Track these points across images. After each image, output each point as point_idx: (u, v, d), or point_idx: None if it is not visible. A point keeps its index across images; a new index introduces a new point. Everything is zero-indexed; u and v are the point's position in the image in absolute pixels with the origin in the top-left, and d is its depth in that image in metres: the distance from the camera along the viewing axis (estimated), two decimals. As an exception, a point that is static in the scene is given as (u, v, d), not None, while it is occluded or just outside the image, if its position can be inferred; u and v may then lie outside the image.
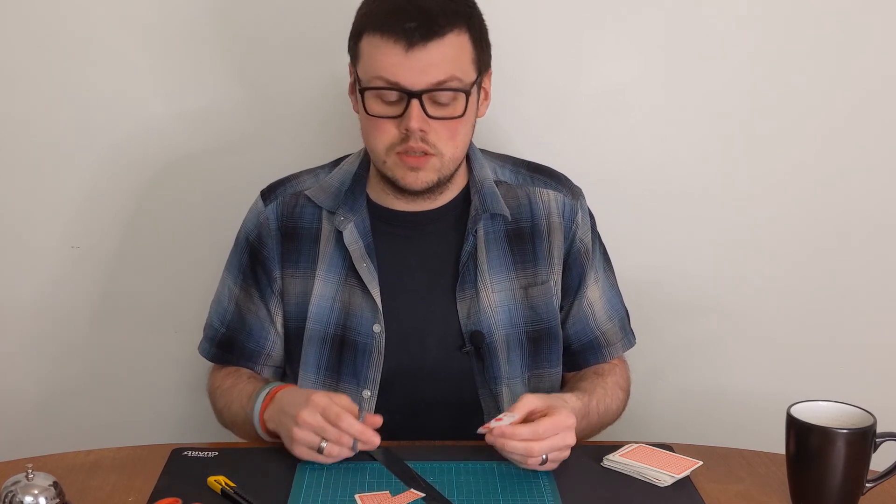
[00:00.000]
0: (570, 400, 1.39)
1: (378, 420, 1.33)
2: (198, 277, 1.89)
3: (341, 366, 1.49)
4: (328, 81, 1.82)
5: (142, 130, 1.86)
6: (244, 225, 1.56)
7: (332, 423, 1.29)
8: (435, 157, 1.41)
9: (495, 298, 1.50)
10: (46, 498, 1.13)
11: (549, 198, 1.54)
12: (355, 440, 1.30)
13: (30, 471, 1.14)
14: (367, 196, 1.53)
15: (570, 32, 1.83)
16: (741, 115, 1.86)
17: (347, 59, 1.49)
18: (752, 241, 1.90)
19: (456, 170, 1.48)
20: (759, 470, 1.37)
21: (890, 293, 1.92)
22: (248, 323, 1.54)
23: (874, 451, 1.25)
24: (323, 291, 1.50)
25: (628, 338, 1.61)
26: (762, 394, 1.83)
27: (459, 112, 1.40)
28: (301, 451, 1.31)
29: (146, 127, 1.86)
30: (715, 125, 1.86)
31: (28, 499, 1.12)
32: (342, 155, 1.60)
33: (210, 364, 1.61)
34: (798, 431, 1.25)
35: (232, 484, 1.27)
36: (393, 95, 1.38)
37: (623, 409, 1.57)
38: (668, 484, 1.30)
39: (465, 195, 1.52)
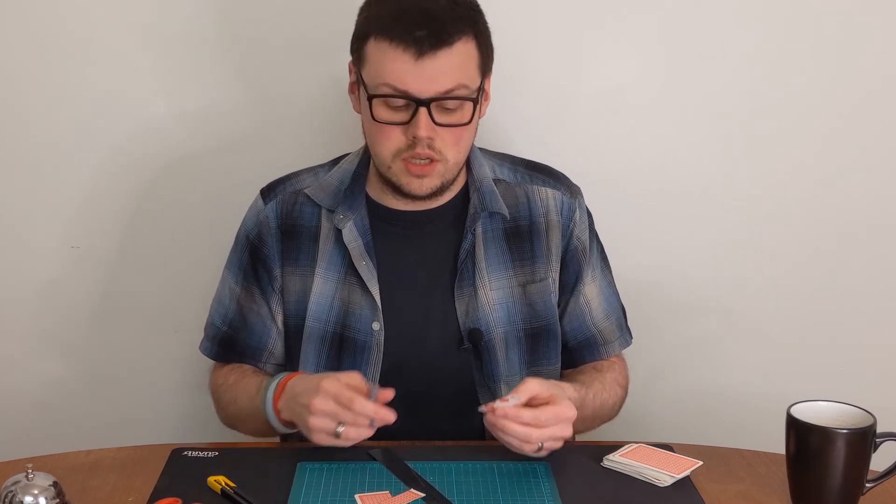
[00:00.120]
0: (568, 389, 1.39)
1: (390, 393, 1.32)
2: (198, 277, 1.89)
3: (340, 363, 1.50)
4: (328, 81, 1.82)
5: (142, 130, 1.86)
6: (244, 223, 1.56)
7: (345, 406, 1.28)
8: (440, 163, 1.42)
9: (493, 296, 1.50)
10: (46, 498, 1.13)
11: (548, 196, 1.55)
12: (372, 419, 1.29)
13: (30, 471, 1.14)
14: (367, 194, 1.53)
15: (570, 32, 1.83)
16: (741, 115, 1.86)
17: (347, 59, 1.49)
18: (752, 241, 1.90)
19: (458, 172, 1.48)
20: (759, 470, 1.37)
21: (890, 293, 1.92)
22: (249, 321, 1.54)
23: (874, 451, 1.25)
24: (322, 289, 1.51)
25: (625, 336, 1.61)
26: (762, 394, 1.83)
27: (466, 119, 1.41)
28: (320, 438, 1.31)
29: (146, 127, 1.86)
30: (715, 125, 1.86)
31: (28, 499, 1.12)
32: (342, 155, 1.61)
33: (211, 363, 1.61)
34: (798, 431, 1.25)
35: (232, 484, 1.27)
36: (400, 102, 1.38)
37: (620, 406, 1.57)
38: (668, 484, 1.30)
39: (464, 194, 1.53)
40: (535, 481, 1.31)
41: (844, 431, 1.22)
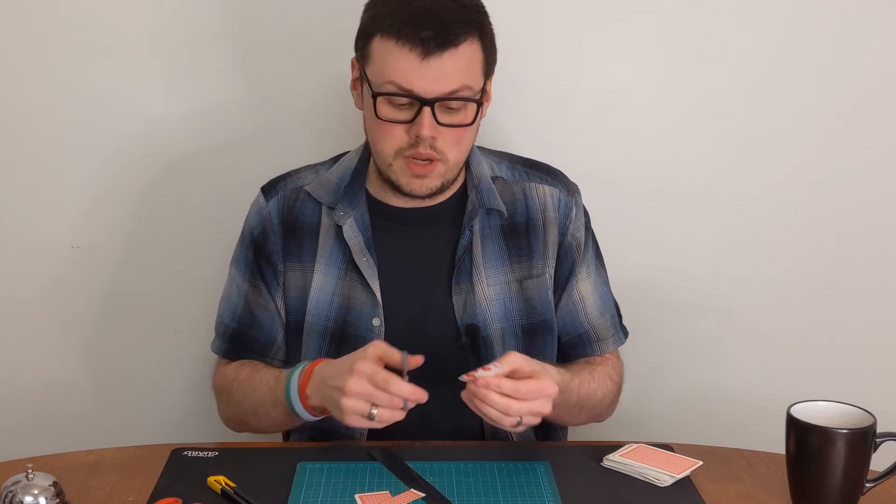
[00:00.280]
0: (552, 370, 1.39)
1: (420, 359, 1.32)
2: (199, 278, 1.90)
3: None
4: (329, 81, 1.82)
5: (142, 130, 1.86)
6: (247, 221, 1.57)
7: (381, 388, 1.27)
8: (440, 163, 1.42)
9: (490, 292, 1.51)
10: (46, 498, 1.13)
11: (545, 193, 1.55)
12: (405, 400, 1.29)
13: (30, 471, 1.14)
14: (367, 192, 1.54)
15: (570, 32, 1.83)
16: (741, 115, 1.86)
17: (348, 59, 1.49)
18: (752, 241, 1.90)
19: (458, 172, 1.49)
20: (759, 470, 1.37)
21: (890, 293, 1.92)
22: (258, 317, 1.54)
23: (874, 451, 1.25)
24: (322, 285, 1.51)
25: (619, 335, 1.61)
26: (762, 394, 1.83)
27: (469, 120, 1.41)
28: (352, 420, 1.30)
29: (146, 127, 1.86)
30: (715, 125, 1.86)
31: (28, 499, 1.12)
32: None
33: (213, 363, 1.61)
34: (798, 431, 1.25)
35: (232, 484, 1.27)
36: (404, 100, 1.38)
37: (612, 401, 1.56)
38: (668, 484, 1.30)
39: (463, 191, 1.54)
40: (535, 481, 1.31)
41: (844, 431, 1.22)
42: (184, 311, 1.93)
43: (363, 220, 1.51)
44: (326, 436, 1.52)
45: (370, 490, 1.28)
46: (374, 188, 1.53)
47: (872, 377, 1.90)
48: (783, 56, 1.83)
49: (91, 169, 1.87)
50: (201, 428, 1.90)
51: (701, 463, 1.35)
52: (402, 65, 1.36)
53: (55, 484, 1.15)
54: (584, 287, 1.57)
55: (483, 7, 1.43)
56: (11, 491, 1.12)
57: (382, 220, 1.52)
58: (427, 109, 1.37)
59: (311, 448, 1.48)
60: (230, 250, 1.61)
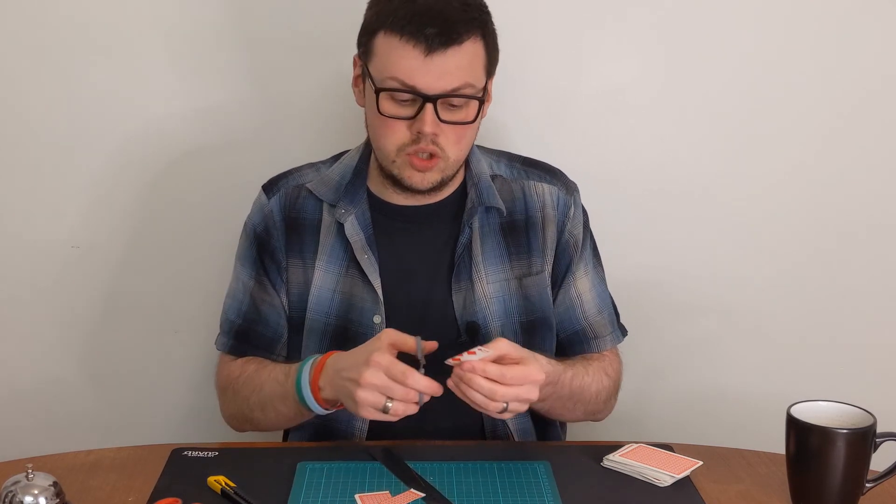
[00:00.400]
0: (542, 360, 1.38)
1: (434, 344, 1.33)
2: (199, 278, 1.90)
3: None
4: (329, 81, 1.82)
5: (142, 130, 1.86)
6: (250, 218, 1.57)
7: (397, 380, 1.27)
8: (441, 160, 1.43)
9: (490, 289, 1.51)
10: (46, 498, 1.13)
11: (544, 191, 1.56)
12: (420, 394, 1.28)
13: (30, 471, 1.14)
14: (368, 189, 1.54)
15: (570, 32, 1.83)
16: (741, 115, 1.86)
17: (349, 58, 1.49)
18: (752, 241, 1.91)
19: (458, 169, 1.49)
20: (759, 470, 1.37)
21: (890, 293, 1.92)
22: (263, 313, 1.54)
23: (874, 451, 1.25)
24: (323, 282, 1.52)
25: (616, 333, 1.61)
26: (762, 394, 1.83)
27: (471, 118, 1.42)
28: (367, 413, 1.29)
29: (146, 126, 1.86)
30: (715, 125, 1.86)
31: (28, 499, 1.12)
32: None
33: (213, 363, 1.60)
34: (798, 431, 1.25)
35: (232, 484, 1.27)
36: (406, 96, 1.39)
37: (608, 397, 1.55)
38: (668, 484, 1.30)
39: (463, 190, 1.54)
40: (535, 481, 1.31)
41: (844, 431, 1.22)
42: (184, 311, 1.93)
43: (364, 217, 1.52)
44: (326, 436, 1.52)
45: (370, 490, 1.27)
46: (375, 186, 1.54)
47: (872, 377, 1.90)
48: (783, 56, 1.83)
49: (91, 169, 1.87)
50: (201, 428, 1.90)
51: (701, 463, 1.35)
52: (405, 61, 1.37)
53: (55, 484, 1.15)
54: (581, 284, 1.57)
55: (486, 7, 1.43)
56: (11, 491, 1.12)
57: (383, 218, 1.53)
58: (429, 106, 1.38)
59: (311, 448, 1.48)
60: (230, 250, 1.61)
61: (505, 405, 1.29)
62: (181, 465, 1.35)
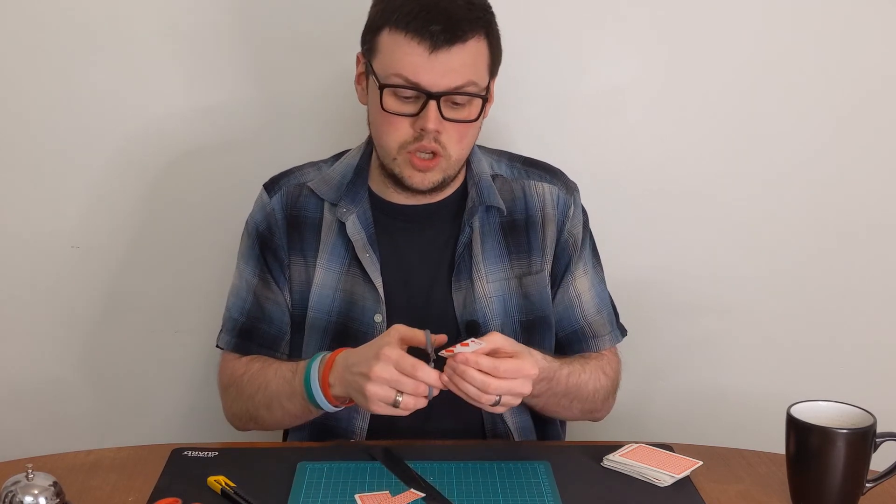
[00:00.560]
0: (537, 355, 1.39)
1: (443, 338, 1.33)
2: (199, 278, 1.90)
3: None
4: (331, 80, 1.82)
5: (142, 130, 1.86)
6: (252, 217, 1.57)
7: (408, 374, 1.27)
8: (442, 159, 1.43)
9: (490, 288, 1.51)
10: (46, 498, 1.13)
11: (544, 190, 1.56)
12: (430, 388, 1.28)
13: (30, 471, 1.14)
14: (369, 189, 1.54)
15: (570, 33, 1.83)
16: (741, 115, 1.86)
17: (350, 57, 1.49)
18: (752, 241, 1.91)
19: (460, 169, 1.49)
20: (759, 470, 1.37)
21: (890, 293, 1.92)
22: (267, 310, 1.54)
23: (874, 451, 1.25)
24: (324, 280, 1.52)
25: (615, 333, 1.61)
26: (762, 394, 1.83)
27: (473, 116, 1.42)
28: (377, 407, 1.29)
29: (146, 126, 1.86)
30: (715, 125, 1.86)
31: (28, 499, 1.12)
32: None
33: (215, 363, 1.60)
34: (798, 431, 1.25)
35: (232, 484, 1.27)
36: (410, 93, 1.39)
37: (605, 396, 1.55)
38: (668, 484, 1.30)
39: (464, 189, 1.54)
40: (535, 481, 1.31)
41: (844, 431, 1.22)
42: (184, 311, 1.93)
43: (366, 216, 1.52)
44: (326, 435, 1.52)
45: (370, 490, 1.27)
46: (377, 185, 1.54)
47: (872, 377, 1.90)
48: (783, 56, 1.83)
49: (91, 169, 1.87)
50: (201, 428, 1.90)
51: (701, 463, 1.35)
52: (410, 58, 1.37)
53: (55, 484, 1.15)
54: (580, 284, 1.57)
55: (490, 7, 1.44)
56: (11, 491, 1.12)
57: (384, 217, 1.53)
58: (433, 103, 1.38)
59: (311, 448, 1.48)
60: (231, 250, 1.61)
61: (497, 398, 1.29)
62: (181, 465, 1.35)
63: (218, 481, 1.27)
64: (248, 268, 1.56)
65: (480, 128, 1.48)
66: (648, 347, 1.89)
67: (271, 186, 1.57)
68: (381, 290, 1.49)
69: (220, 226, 1.85)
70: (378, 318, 1.49)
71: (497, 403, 1.29)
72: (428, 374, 1.27)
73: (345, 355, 1.36)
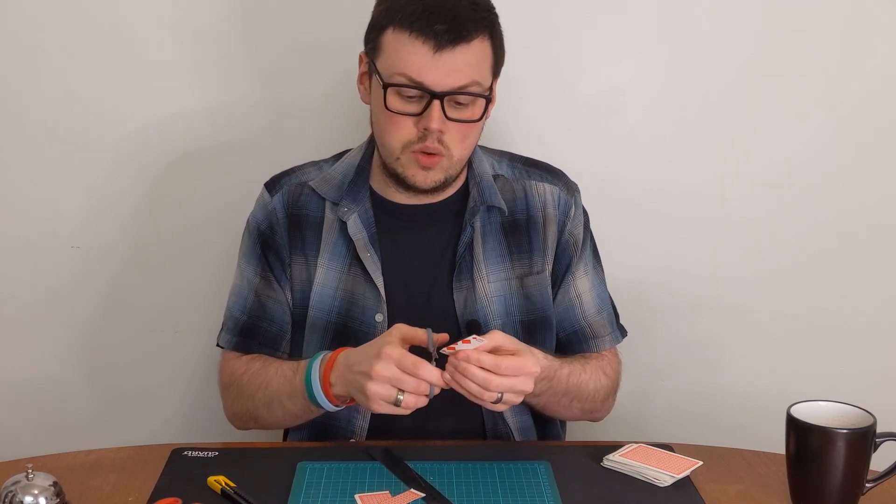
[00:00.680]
0: (538, 353, 1.39)
1: (445, 336, 1.33)
2: (199, 278, 1.90)
3: None
4: (332, 80, 1.82)
5: (142, 130, 1.86)
6: (253, 216, 1.57)
7: (409, 372, 1.27)
8: (445, 158, 1.43)
9: (491, 288, 1.52)
10: (46, 498, 1.13)
11: (545, 191, 1.56)
12: (431, 387, 1.28)
13: (30, 471, 1.14)
14: (370, 188, 1.54)
15: (570, 32, 1.83)
16: (741, 115, 1.86)
17: (352, 57, 1.49)
18: (752, 240, 1.91)
19: (462, 169, 1.49)
20: (759, 470, 1.37)
21: (890, 293, 1.92)
22: (268, 309, 1.54)
23: (874, 451, 1.25)
24: (325, 279, 1.52)
25: (616, 333, 1.61)
26: (762, 394, 1.83)
27: (477, 116, 1.42)
28: (378, 406, 1.29)
29: (147, 126, 1.86)
30: (715, 125, 1.86)
31: (28, 499, 1.12)
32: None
33: (215, 362, 1.60)
34: (798, 431, 1.25)
35: (232, 484, 1.27)
36: (413, 93, 1.39)
37: (605, 396, 1.55)
38: (668, 484, 1.30)
39: (465, 189, 1.54)
40: (535, 481, 1.31)
41: (844, 431, 1.22)
42: (184, 311, 1.93)
43: (367, 215, 1.52)
44: (326, 435, 1.52)
45: (370, 490, 1.27)
46: (378, 184, 1.54)
47: (872, 377, 1.90)
48: (783, 56, 1.83)
49: (91, 169, 1.87)
50: (201, 428, 1.90)
51: (701, 463, 1.35)
52: (414, 57, 1.37)
53: (55, 484, 1.15)
54: (580, 284, 1.57)
55: (494, 8, 1.44)
56: (11, 491, 1.12)
57: (386, 216, 1.53)
58: (437, 103, 1.38)
59: (311, 448, 1.48)
60: (231, 250, 1.61)
61: (499, 396, 1.29)
62: (181, 465, 1.35)
63: (218, 481, 1.27)
64: (249, 266, 1.56)
65: (483, 128, 1.48)
66: (648, 347, 1.89)
67: (273, 185, 1.57)
68: (382, 290, 1.49)
69: (220, 226, 1.85)
70: (379, 317, 1.49)
71: (499, 401, 1.29)
72: (430, 372, 1.27)
73: (346, 354, 1.36)
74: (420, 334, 1.32)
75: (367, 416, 1.50)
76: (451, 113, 1.40)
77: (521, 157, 1.61)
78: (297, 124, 1.86)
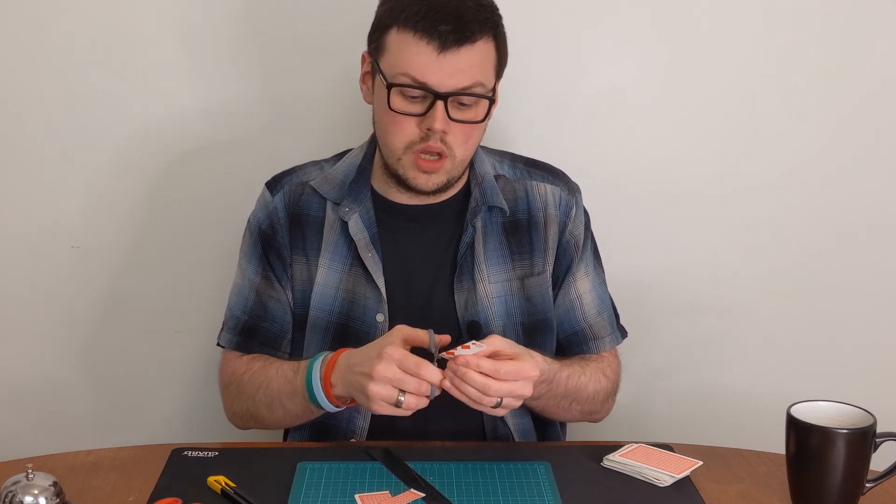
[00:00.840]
0: (537, 357, 1.39)
1: (447, 338, 1.33)
2: (199, 278, 1.90)
3: None
4: (333, 80, 1.82)
5: (143, 130, 1.86)
6: (255, 216, 1.57)
7: (411, 373, 1.27)
8: (447, 160, 1.43)
9: (492, 289, 1.51)
10: (46, 498, 1.13)
11: (546, 191, 1.56)
12: (432, 388, 1.28)
13: (30, 471, 1.14)
14: (372, 188, 1.54)
15: (570, 32, 1.83)
16: (741, 115, 1.86)
17: (353, 57, 1.49)
18: (752, 240, 1.91)
19: (464, 170, 1.49)
20: (759, 470, 1.37)
21: (890, 293, 1.92)
22: (269, 309, 1.54)
23: (874, 451, 1.25)
24: (326, 279, 1.52)
25: (616, 334, 1.61)
26: (762, 394, 1.83)
27: (480, 117, 1.42)
28: (379, 407, 1.29)
29: (147, 126, 1.86)
30: (715, 125, 1.86)
31: (28, 499, 1.12)
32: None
33: (215, 362, 1.60)
34: (798, 431, 1.25)
35: (232, 484, 1.27)
36: (417, 93, 1.39)
37: (605, 398, 1.55)
38: (668, 484, 1.30)
39: (466, 189, 1.54)
40: (535, 481, 1.31)
41: (844, 431, 1.22)
42: (184, 311, 1.93)
43: (368, 215, 1.52)
44: (326, 435, 1.52)
45: (370, 490, 1.27)
46: (379, 184, 1.54)
47: (872, 377, 1.90)
48: (783, 56, 1.83)
49: (91, 169, 1.87)
50: (201, 428, 1.90)
51: (701, 463, 1.35)
52: (418, 58, 1.37)
53: (55, 484, 1.15)
54: (581, 285, 1.57)
55: (498, 10, 1.44)
56: (11, 491, 1.12)
57: (387, 217, 1.53)
58: (440, 103, 1.38)
59: (311, 448, 1.48)
60: (231, 250, 1.61)
61: (498, 401, 1.29)
62: (181, 465, 1.35)
63: (218, 481, 1.27)
64: (250, 266, 1.56)
65: (485, 129, 1.48)
66: (648, 348, 1.89)
67: (274, 185, 1.57)
68: (383, 290, 1.49)
69: (220, 226, 1.85)
70: (380, 317, 1.49)
71: (498, 406, 1.29)
72: (432, 372, 1.27)
73: (347, 355, 1.36)
74: (421, 335, 1.32)
75: (368, 416, 1.50)
76: (455, 114, 1.40)
77: (522, 157, 1.61)
78: (297, 124, 1.86)
